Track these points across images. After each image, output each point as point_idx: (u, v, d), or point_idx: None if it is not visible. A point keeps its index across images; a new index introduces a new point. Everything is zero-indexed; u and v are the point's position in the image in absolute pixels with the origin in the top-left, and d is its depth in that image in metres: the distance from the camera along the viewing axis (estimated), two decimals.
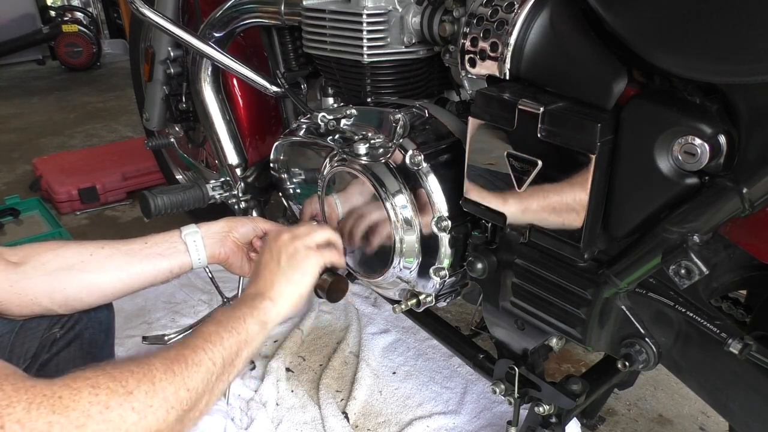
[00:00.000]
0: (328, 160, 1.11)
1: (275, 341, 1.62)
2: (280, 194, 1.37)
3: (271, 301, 0.89)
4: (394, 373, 1.51)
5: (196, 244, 1.04)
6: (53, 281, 0.92)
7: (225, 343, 0.78)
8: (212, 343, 0.77)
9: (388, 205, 0.99)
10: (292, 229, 1.00)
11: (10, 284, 0.89)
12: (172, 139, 1.82)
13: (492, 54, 0.83)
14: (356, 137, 1.05)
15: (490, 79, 0.85)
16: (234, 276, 1.66)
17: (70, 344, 1.01)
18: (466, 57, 0.87)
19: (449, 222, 0.96)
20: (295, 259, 0.94)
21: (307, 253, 0.96)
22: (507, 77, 0.82)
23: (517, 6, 0.79)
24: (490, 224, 0.94)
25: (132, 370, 0.67)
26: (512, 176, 0.81)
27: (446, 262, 1.00)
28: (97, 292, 0.98)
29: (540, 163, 0.77)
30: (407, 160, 0.97)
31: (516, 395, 1.03)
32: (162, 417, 0.65)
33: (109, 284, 0.98)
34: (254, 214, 1.46)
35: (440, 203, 0.96)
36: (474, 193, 0.89)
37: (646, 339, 0.81)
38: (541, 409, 1.00)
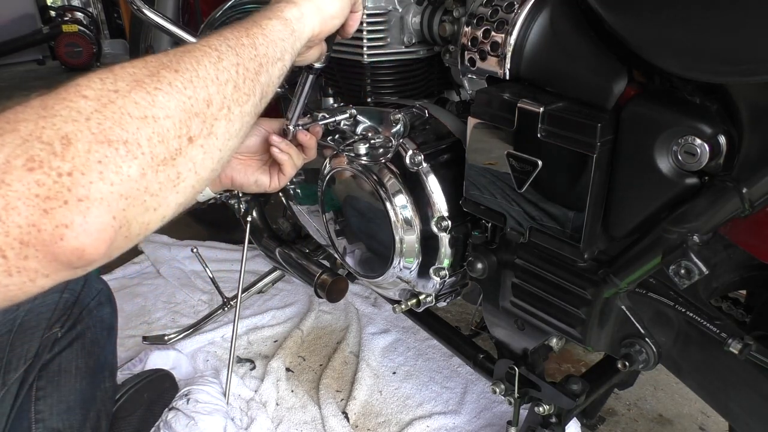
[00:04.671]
0: (328, 160, 1.11)
1: (275, 341, 1.62)
2: (280, 194, 1.37)
3: (289, 1, 0.68)
4: (394, 373, 1.51)
5: None
6: None
7: (230, 36, 0.59)
8: (207, 44, 0.57)
9: (388, 205, 0.99)
10: None
11: None
12: None
13: (492, 54, 0.83)
14: (356, 137, 1.05)
15: (490, 79, 0.85)
16: (234, 276, 1.66)
17: (72, 344, 1.01)
18: (466, 57, 0.87)
19: (449, 222, 0.96)
20: None
21: None
22: (507, 77, 0.82)
23: (517, 6, 0.79)
24: (490, 224, 0.94)
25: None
26: (512, 176, 0.81)
27: (446, 262, 1.00)
28: None
29: (540, 163, 0.77)
30: (407, 160, 0.97)
31: (516, 395, 1.03)
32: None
33: None
34: (254, 214, 1.46)
35: (440, 203, 0.96)
36: (474, 193, 0.89)
37: (646, 339, 0.81)
38: (541, 409, 1.00)
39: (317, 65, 0.86)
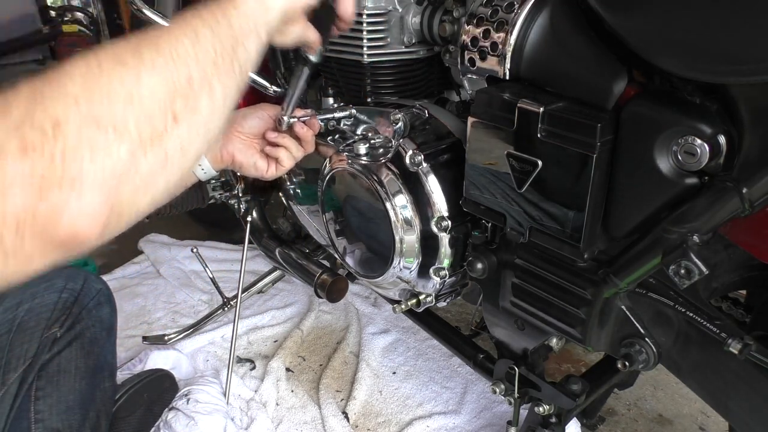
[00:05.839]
0: (328, 160, 1.11)
1: (275, 341, 1.62)
2: (281, 194, 1.37)
3: None
4: (394, 373, 1.51)
5: None
6: None
7: (194, 22, 0.57)
8: (169, 28, 0.55)
9: (388, 205, 0.99)
10: None
11: None
12: None
13: (492, 54, 0.83)
14: (356, 137, 1.05)
15: (490, 79, 0.85)
16: (234, 276, 1.66)
17: (71, 344, 1.01)
18: (466, 57, 0.87)
19: (449, 222, 0.96)
20: None
21: None
22: (507, 77, 0.82)
23: (517, 6, 0.79)
24: (490, 224, 0.94)
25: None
26: (512, 176, 0.81)
27: (446, 262, 1.00)
28: None
29: (540, 163, 0.77)
30: (407, 160, 0.97)
31: (516, 395, 1.03)
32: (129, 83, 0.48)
33: None
34: (254, 214, 1.46)
35: (440, 203, 0.96)
36: (474, 193, 0.89)
37: (646, 339, 0.81)
38: (541, 409, 1.00)
39: (313, 58, 0.84)
